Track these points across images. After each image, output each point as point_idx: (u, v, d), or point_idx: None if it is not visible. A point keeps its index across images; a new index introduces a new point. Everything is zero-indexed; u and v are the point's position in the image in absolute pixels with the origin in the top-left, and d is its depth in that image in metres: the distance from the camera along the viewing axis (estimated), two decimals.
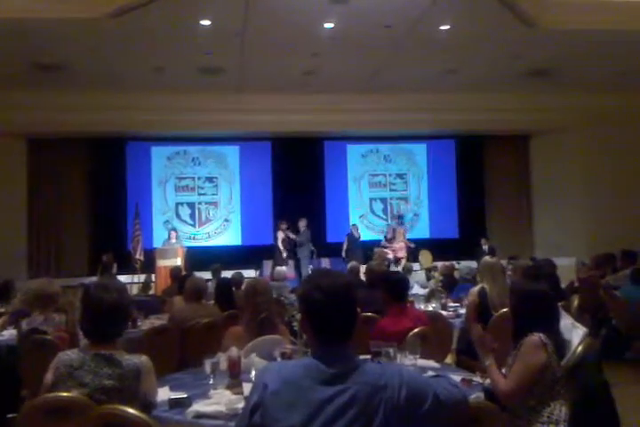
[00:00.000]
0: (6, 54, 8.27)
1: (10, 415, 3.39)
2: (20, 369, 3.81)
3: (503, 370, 2.65)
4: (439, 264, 9.06)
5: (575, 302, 5.29)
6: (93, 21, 7.19)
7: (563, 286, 5.92)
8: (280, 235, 11.27)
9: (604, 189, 11.23)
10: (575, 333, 3.02)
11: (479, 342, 2.67)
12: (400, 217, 12.21)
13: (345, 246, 11.55)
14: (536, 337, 2.52)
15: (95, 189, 11.99)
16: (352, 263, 6.95)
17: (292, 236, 11.23)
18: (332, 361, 1.61)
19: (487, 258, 5.00)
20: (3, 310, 5.80)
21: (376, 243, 11.65)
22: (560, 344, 2.66)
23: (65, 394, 2.20)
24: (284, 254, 11.16)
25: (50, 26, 7.31)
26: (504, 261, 7.78)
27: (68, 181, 11.77)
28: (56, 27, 7.35)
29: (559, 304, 3.34)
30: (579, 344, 2.92)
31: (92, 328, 2.34)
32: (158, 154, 12.43)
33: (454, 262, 8.58)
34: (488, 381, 2.61)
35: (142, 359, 2.31)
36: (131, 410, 2.01)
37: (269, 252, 11.45)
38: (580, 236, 11.17)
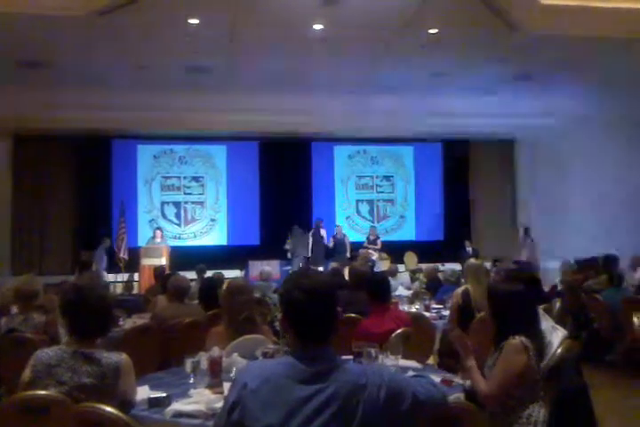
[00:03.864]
0: None
1: None
2: None
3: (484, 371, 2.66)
4: (423, 266, 9.12)
5: (557, 304, 5.34)
6: (80, 19, 7.08)
7: (546, 288, 5.97)
8: (324, 233, 11.27)
9: (586, 193, 11.38)
10: (555, 335, 3.06)
11: (460, 343, 2.66)
12: (526, 229, 11.95)
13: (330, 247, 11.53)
14: (517, 341, 2.51)
15: (80, 186, 11.88)
16: (334, 264, 6.96)
17: (286, 246, 11.24)
18: (312, 360, 1.61)
19: (472, 260, 5.05)
20: None
21: (360, 244, 11.68)
22: (541, 346, 2.67)
23: (42, 392, 2.18)
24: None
25: (35, 22, 7.18)
26: (488, 264, 7.86)
27: (54, 179, 11.68)
28: (41, 23, 7.22)
29: (540, 307, 3.39)
30: (558, 346, 2.96)
31: (74, 326, 2.33)
32: (144, 152, 12.35)
33: (438, 265, 8.65)
34: (469, 382, 2.62)
35: (122, 357, 2.30)
36: (109, 408, 2.00)
37: (254, 252, 11.41)
38: (564, 239, 11.27)
